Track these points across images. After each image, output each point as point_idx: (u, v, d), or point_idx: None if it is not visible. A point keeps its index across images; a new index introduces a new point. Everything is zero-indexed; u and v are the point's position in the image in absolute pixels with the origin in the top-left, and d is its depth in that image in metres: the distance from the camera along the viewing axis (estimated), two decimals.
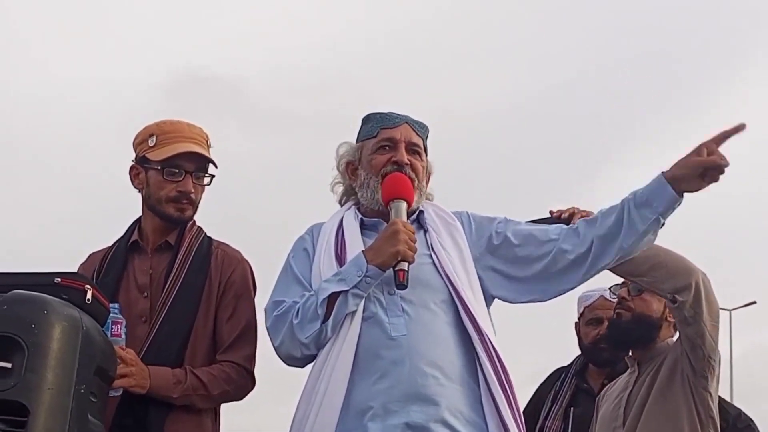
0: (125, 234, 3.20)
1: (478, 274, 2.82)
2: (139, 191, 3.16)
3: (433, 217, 2.89)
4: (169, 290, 3.02)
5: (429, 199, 2.99)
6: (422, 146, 2.93)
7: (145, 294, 3.04)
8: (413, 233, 2.71)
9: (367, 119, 2.97)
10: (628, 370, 3.76)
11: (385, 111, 2.97)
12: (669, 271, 3.28)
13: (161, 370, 2.91)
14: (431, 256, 2.79)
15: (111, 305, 2.80)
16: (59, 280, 2.54)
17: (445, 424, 2.59)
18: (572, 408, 4.04)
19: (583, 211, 3.14)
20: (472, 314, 2.70)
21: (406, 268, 2.66)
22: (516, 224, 2.91)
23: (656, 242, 2.91)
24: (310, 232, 2.95)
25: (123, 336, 2.88)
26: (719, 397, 3.83)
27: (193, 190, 3.08)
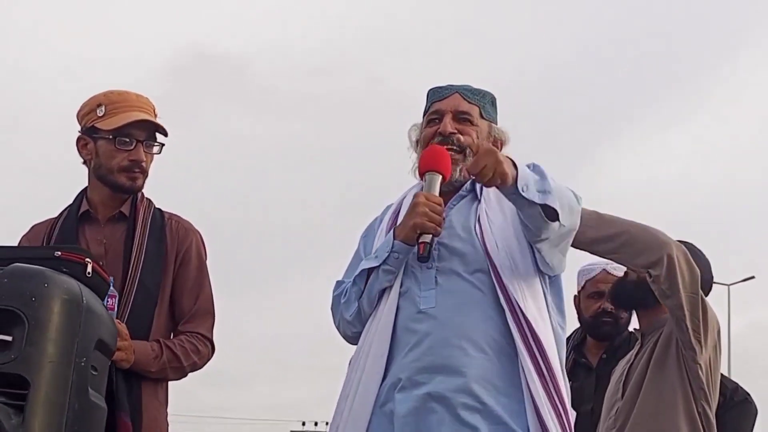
0: (73, 204, 3.16)
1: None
2: (87, 162, 3.12)
3: (495, 193, 2.82)
4: (135, 262, 3.02)
5: None
6: (476, 113, 2.87)
7: (101, 263, 2.97)
8: (439, 205, 2.69)
9: (427, 95, 2.97)
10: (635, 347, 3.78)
11: (443, 84, 2.94)
12: (640, 247, 3.30)
13: (141, 344, 2.95)
14: (475, 226, 2.77)
15: None
16: (59, 253, 2.55)
17: (470, 394, 2.58)
18: (570, 382, 4.05)
19: None
20: (503, 284, 2.67)
21: (429, 240, 2.65)
22: None
23: (629, 217, 2.93)
24: (382, 213, 2.98)
25: (115, 310, 2.89)
26: None
27: (144, 159, 3.08)
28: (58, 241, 3.07)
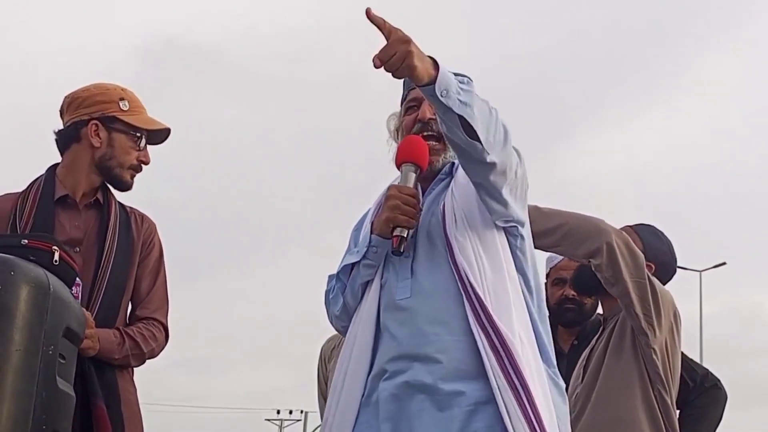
0: (45, 186, 3.10)
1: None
2: (91, 147, 3.09)
3: (461, 170, 2.79)
4: (109, 251, 3.04)
5: None
6: None
7: (77, 249, 3.00)
8: (413, 197, 2.67)
9: (403, 83, 2.92)
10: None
11: None
12: (579, 237, 3.33)
13: (105, 332, 2.95)
14: (441, 209, 2.74)
15: None
16: (26, 241, 2.53)
17: (447, 379, 2.57)
18: None
19: None
20: (456, 262, 2.63)
21: (404, 234, 2.64)
22: None
23: (568, 209, 2.91)
24: (374, 203, 2.94)
25: (79, 297, 2.87)
26: (684, 356, 3.88)
27: (150, 162, 3.19)
28: (34, 225, 3.02)
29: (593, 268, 3.42)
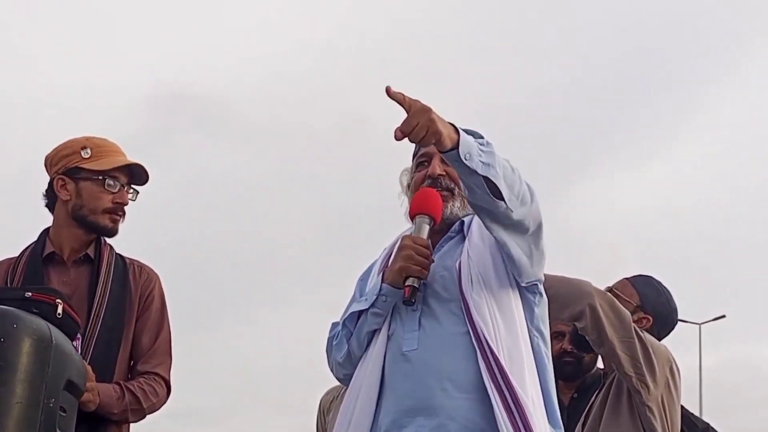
0: (36, 245, 3.16)
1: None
2: (62, 203, 3.13)
3: (477, 228, 2.82)
4: (99, 304, 3.03)
5: None
6: None
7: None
8: (426, 248, 2.68)
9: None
10: None
11: None
12: (562, 301, 3.33)
13: (105, 386, 2.94)
14: (455, 266, 2.74)
15: None
16: (30, 294, 2.54)
17: None
18: None
19: None
20: (474, 322, 2.63)
21: (416, 284, 2.64)
22: None
23: (550, 272, 2.91)
24: (381, 254, 2.96)
25: (79, 351, 2.87)
26: (685, 410, 3.86)
27: (128, 202, 3.14)
28: (24, 282, 3.05)
29: (579, 331, 3.42)
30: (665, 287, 3.87)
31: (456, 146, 2.49)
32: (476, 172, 2.51)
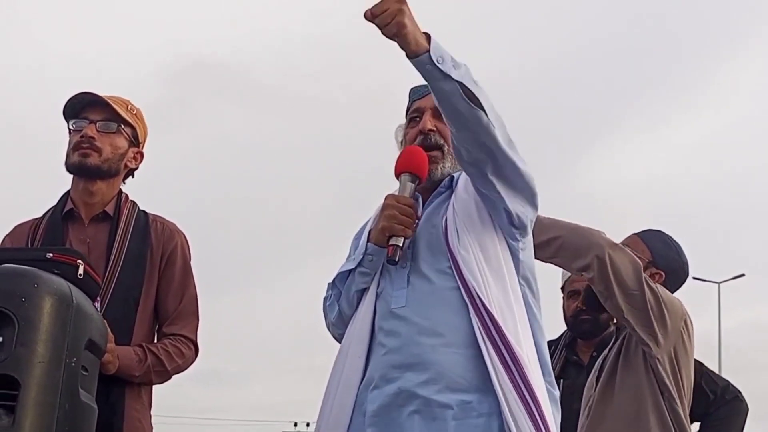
0: (57, 205, 3.17)
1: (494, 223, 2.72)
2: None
3: (463, 181, 2.81)
4: (114, 262, 3.02)
5: None
6: None
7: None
8: (410, 207, 2.69)
9: (408, 94, 2.95)
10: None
11: (424, 83, 2.83)
12: (572, 251, 3.32)
13: (125, 349, 2.94)
14: (441, 221, 2.75)
15: None
16: (51, 255, 2.54)
17: (440, 389, 2.56)
18: (562, 380, 4.07)
19: None
20: (464, 278, 2.64)
21: (399, 243, 2.65)
22: None
23: (586, 220, 2.90)
24: (375, 213, 2.95)
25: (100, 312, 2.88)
26: (705, 368, 3.86)
27: (93, 135, 3.08)
28: (44, 241, 3.06)
29: (589, 282, 3.40)
30: (675, 241, 3.85)
31: (425, 51, 2.43)
32: (450, 76, 2.46)
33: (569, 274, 4.23)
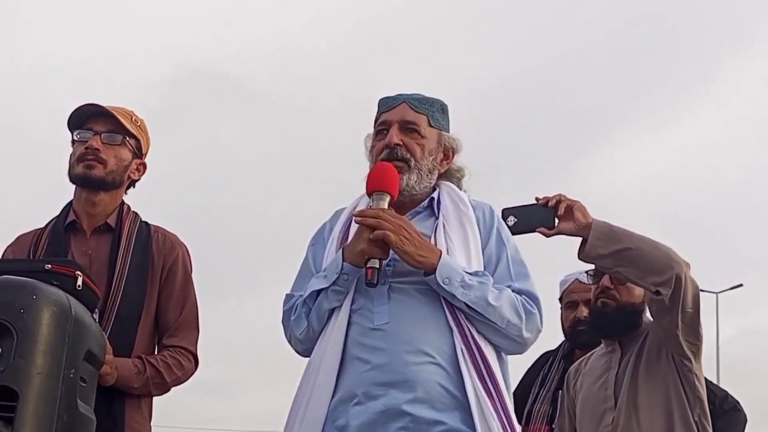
0: (60, 216, 3.17)
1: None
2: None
3: (446, 201, 2.83)
4: (120, 274, 3.02)
5: (459, 177, 2.95)
6: (425, 122, 2.84)
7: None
8: None
9: (377, 104, 2.94)
10: (604, 348, 3.74)
11: (393, 94, 2.90)
12: (648, 265, 3.27)
13: (124, 361, 2.94)
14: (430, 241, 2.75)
15: None
16: (50, 266, 2.54)
17: (426, 407, 2.57)
18: (560, 391, 4.06)
19: (570, 199, 3.14)
20: (450, 303, 2.67)
21: (377, 266, 2.65)
22: (501, 256, 2.84)
23: (643, 233, 2.90)
24: (331, 218, 2.96)
25: (96, 322, 2.88)
26: (705, 379, 3.85)
27: (98, 147, 3.09)
28: (46, 251, 3.06)
29: (652, 296, 3.33)
30: None
31: (433, 272, 2.61)
32: (456, 296, 2.61)
33: (567, 285, 4.22)
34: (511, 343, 2.70)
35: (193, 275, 3.21)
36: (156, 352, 3.11)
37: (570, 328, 4.22)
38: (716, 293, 29.65)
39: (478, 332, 2.66)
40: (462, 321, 2.65)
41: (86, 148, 3.08)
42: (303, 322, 2.78)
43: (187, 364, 3.09)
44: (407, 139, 2.81)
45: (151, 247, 3.11)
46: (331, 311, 2.74)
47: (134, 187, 3.25)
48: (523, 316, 2.68)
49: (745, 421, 4.08)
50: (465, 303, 2.62)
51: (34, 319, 2.31)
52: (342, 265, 2.71)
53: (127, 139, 3.14)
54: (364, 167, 2.92)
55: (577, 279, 4.15)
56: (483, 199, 2.96)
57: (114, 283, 3.00)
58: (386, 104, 2.89)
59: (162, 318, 3.11)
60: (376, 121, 2.92)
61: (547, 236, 3.18)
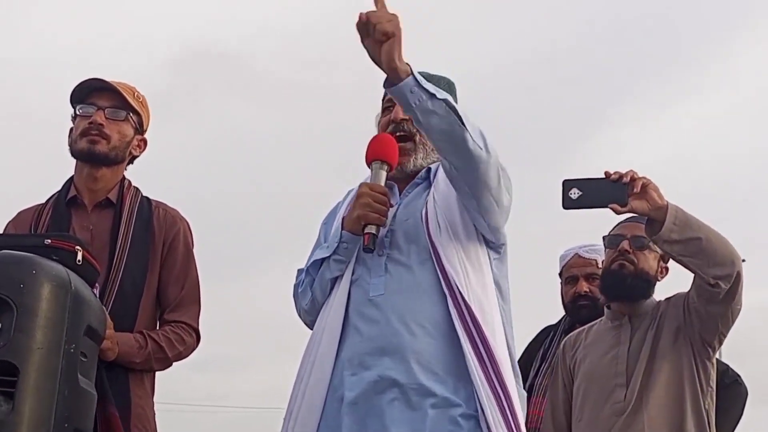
0: (61, 191, 3.17)
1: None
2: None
3: (440, 172, 2.82)
4: (121, 250, 3.02)
5: None
6: None
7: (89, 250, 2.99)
8: (383, 194, 2.70)
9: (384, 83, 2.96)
10: (610, 322, 3.66)
11: None
12: (714, 258, 3.22)
13: (125, 335, 2.94)
14: (422, 212, 2.76)
15: None
16: (49, 241, 2.54)
17: (418, 377, 2.58)
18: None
19: (643, 177, 3.07)
20: (444, 269, 2.66)
21: (374, 231, 2.67)
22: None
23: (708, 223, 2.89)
24: (344, 198, 2.98)
25: (96, 297, 2.88)
26: None
27: (102, 122, 3.08)
28: (48, 227, 3.06)
29: (710, 287, 3.30)
30: None
31: (409, 75, 2.50)
32: (435, 96, 2.52)
33: (566, 260, 4.21)
34: (475, 156, 2.60)
35: (194, 250, 3.20)
36: (158, 328, 3.11)
37: (570, 303, 4.21)
38: None
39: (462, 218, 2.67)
40: (456, 289, 2.64)
41: (90, 122, 3.07)
42: (308, 292, 2.82)
43: (188, 339, 3.10)
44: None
45: (152, 222, 3.11)
46: (334, 282, 2.77)
47: (133, 163, 3.25)
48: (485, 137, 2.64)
49: (746, 395, 4.07)
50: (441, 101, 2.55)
51: (33, 294, 2.32)
52: (341, 233, 2.74)
53: (131, 114, 3.14)
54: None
55: (576, 254, 4.14)
56: None
57: (116, 258, 3.00)
58: None
59: (163, 293, 3.11)
60: (383, 99, 2.94)
61: (618, 213, 3.12)
